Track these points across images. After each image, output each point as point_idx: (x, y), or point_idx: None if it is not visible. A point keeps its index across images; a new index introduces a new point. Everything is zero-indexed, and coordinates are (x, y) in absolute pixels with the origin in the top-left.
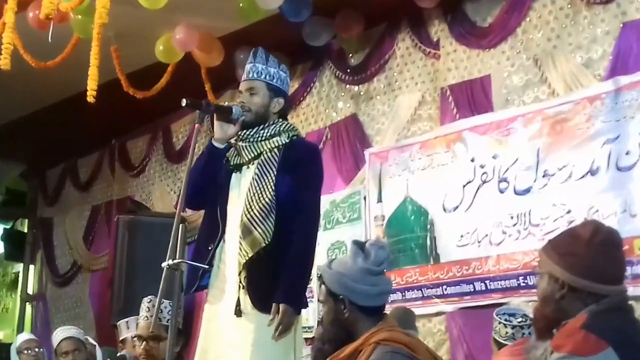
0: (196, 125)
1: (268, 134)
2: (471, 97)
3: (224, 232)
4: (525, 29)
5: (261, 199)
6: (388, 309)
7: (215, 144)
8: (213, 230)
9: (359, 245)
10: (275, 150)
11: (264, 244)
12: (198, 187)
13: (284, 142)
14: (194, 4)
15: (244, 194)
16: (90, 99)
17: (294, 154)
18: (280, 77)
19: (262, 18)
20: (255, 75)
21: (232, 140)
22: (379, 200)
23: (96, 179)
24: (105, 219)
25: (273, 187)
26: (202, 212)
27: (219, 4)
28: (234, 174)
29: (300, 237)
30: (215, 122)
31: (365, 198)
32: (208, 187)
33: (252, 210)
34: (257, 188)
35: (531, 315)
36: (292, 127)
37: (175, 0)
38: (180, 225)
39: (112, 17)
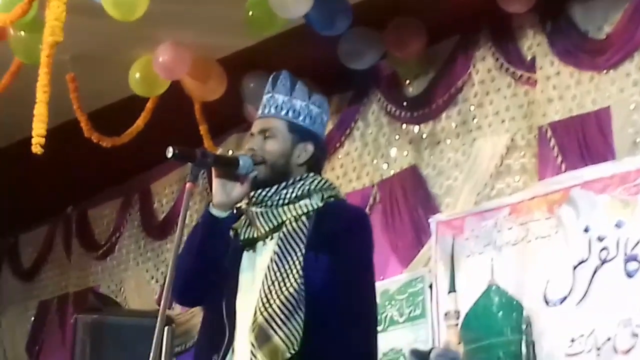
0: (187, 185)
1: (292, 195)
2: (583, 140)
3: (232, 337)
4: None
5: (284, 288)
6: None
7: (215, 211)
8: (217, 336)
9: (421, 357)
10: (304, 218)
11: (288, 355)
12: (193, 276)
13: (315, 206)
14: (183, 14)
15: (260, 281)
16: (36, 148)
17: (331, 223)
18: (310, 113)
19: (280, 31)
20: (272, 111)
21: (243, 205)
22: (452, 289)
23: (45, 264)
24: (57, 320)
25: (301, 272)
26: (196, 310)
27: (219, 14)
28: (245, 253)
29: (344, 347)
30: (215, 180)
31: (431, 286)
32: (207, 275)
33: (271, 305)
34: (278, 273)
35: None
36: (327, 184)
37: (157, 10)
38: (166, 328)
39: (68, 34)
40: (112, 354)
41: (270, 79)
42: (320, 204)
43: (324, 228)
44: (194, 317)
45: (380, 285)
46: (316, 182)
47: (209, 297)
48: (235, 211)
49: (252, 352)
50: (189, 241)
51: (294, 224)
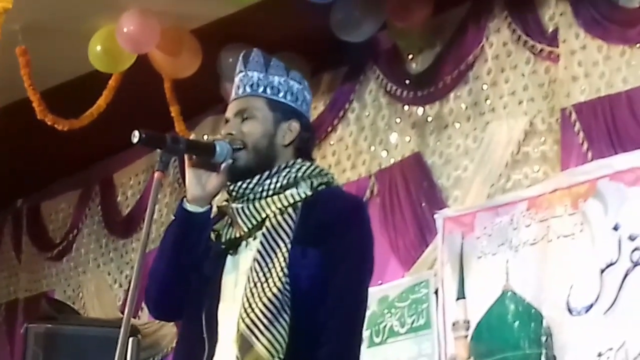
0: (156, 174)
1: (277, 184)
2: (612, 124)
3: (212, 352)
4: None
5: (267, 289)
6: None
7: (190, 207)
8: (195, 351)
9: None
10: (290, 210)
11: None
12: (170, 283)
13: (303, 195)
14: None
15: (243, 286)
16: None
17: (321, 213)
18: (291, 89)
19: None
20: (248, 90)
21: (223, 201)
22: (461, 296)
23: None
24: (5, 330)
25: (285, 270)
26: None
27: None
28: (229, 258)
29: (332, 352)
30: (189, 171)
31: (437, 292)
32: (186, 281)
33: (253, 310)
34: (260, 274)
35: None
36: (317, 170)
37: None
38: (130, 339)
39: (18, 0)
40: None
41: (240, 58)
42: (309, 193)
43: (313, 218)
44: (162, 327)
45: (378, 291)
46: (304, 168)
47: (188, 307)
48: (216, 208)
49: None
50: (163, 243)
51: (278, 217)
